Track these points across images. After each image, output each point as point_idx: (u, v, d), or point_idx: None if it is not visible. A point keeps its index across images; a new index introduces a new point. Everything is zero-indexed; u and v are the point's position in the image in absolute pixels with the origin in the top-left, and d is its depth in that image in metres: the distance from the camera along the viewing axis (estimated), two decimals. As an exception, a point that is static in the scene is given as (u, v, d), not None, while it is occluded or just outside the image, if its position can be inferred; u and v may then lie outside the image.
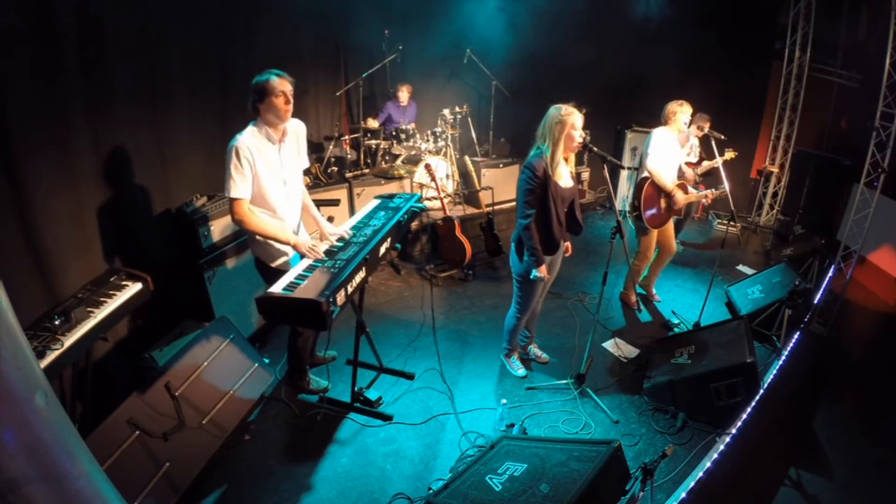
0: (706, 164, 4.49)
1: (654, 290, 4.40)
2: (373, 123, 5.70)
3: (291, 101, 2.47)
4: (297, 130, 2.67)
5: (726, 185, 3.71)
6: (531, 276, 2.85)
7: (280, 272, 2.49)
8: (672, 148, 3.83)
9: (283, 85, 2.41)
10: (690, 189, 3.99)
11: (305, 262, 2.44)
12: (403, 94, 5.79)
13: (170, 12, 3.13)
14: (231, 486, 2.49)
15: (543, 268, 2.83)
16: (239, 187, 2.41)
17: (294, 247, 2.52)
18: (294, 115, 2.60)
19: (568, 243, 3.13)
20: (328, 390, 3.13)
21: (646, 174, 3.83)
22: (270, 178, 2.52)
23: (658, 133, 3.82)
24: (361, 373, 3.10)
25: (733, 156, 4.15)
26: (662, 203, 3.84)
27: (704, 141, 3.96)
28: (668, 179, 3.76)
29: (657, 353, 3.43)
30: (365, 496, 2.48)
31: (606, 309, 4.21)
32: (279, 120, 2.49)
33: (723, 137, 3.90)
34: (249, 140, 2.43)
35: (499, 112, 6.44)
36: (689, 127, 3.92)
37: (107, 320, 2.33)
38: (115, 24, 2.74)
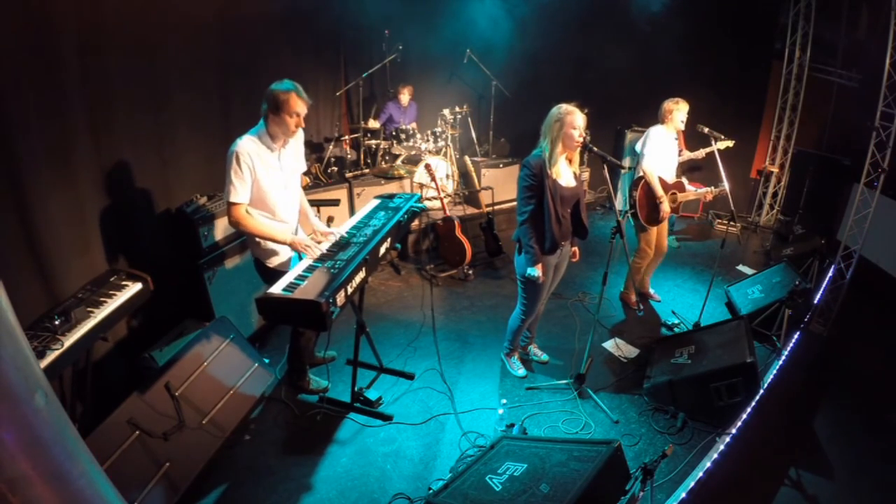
0: (686, 154, 4.45)
1: (651, 290, 4.40)
2: (374, 124, 5.70)
3: (303, 125, 2.51)
4: (297, 136, 2.69)
5: (726, 184, 3.70)
6: (527, 275, 2.85)
7: (279, 273, 2.51)
8: (668, 147, 3.82)
9: (300, 107, 2.44)
10: (688, 186, 3.97)
11: (305, 263, 2.44)
12: (404, 96, 5.80)
13: (170, 12, 3.13)
14: (231, 486, 2.49)
15: (540, 267, 2.83)
16: (238, 192, 2.43)
17: (291, 245, 2.54)
18: None
19: (576, 248, 3.11)
20: (328, 390, 3.13)
21: (641, 173, 3.83)
22: (271, 182, 2.54)
23: (654, 132, 3.82)
24: (361, 373, 3.10)
25: (729, 144, 4.09)
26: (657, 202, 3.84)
27: (689, 133, 3.93)
28: (658, 184, 3.76)
29: (657, 353, 3.43)
30: (365, 496, 2.48)
31: (606, 309, 4.21)
32: (285, 136, 2.52)
33: (722, 137, 3.90)
34: (249, 145, 2.44)
35: (499, 112, 6.44)
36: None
37: (107, 320, 2.33)
38: (115, 23, 2.74)
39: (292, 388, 3.12)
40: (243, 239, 3.46)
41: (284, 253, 2.68)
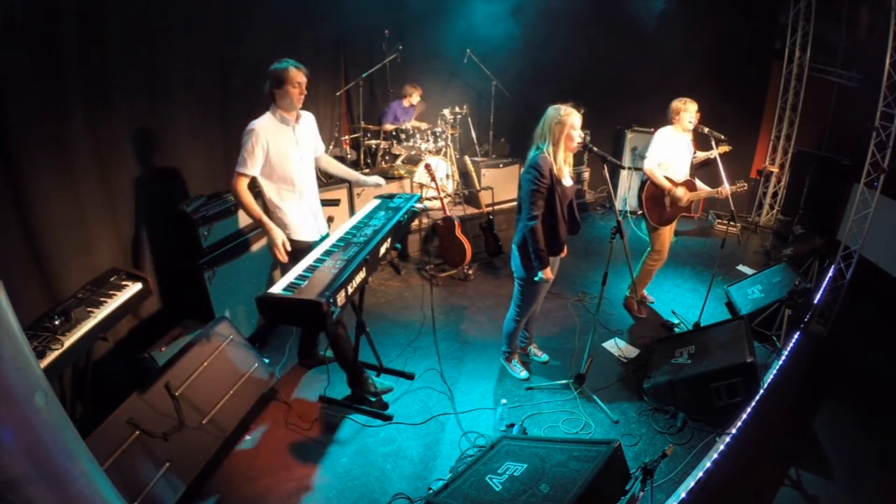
0: (700, 154, 4.45)
1: (645, 292, 4.38)
2: (389, 127, 5.72)
3: (305, 92, 2.68)
4: (310, 118, 2.90)
5: (726, 184, 3.69)
6: (536, 279, 2.85)
7: (300, 253, 2.63)
8: (675, 146, 3.80)
9: (299, 76, 2.62)
10: (701, 185, 3.94)
11: (307, 261, 2.44)
12: (416, 97, 5.82)
13: (169, 12, 3.13)
14: (231, 486, 2.49)
15: (549, 270, 2.84)
16: (246, 164, 2.62)
17: (268, 231, 2.69)
18: None
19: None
20: (392, 390, 3.16)
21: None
22: (288, 155, 2.72)
23: (660, 133, 3.82)
24: (361, 373, 3.10)
25: (726, 149, 4.07)
26: (667, 201, 3.83)
27: (697, 134, 3.91)
28: (663, 179, 3.74)
29: (657, 353, 3.43)
30: (365, 496, 2.48)
31: (606, 309, 4.21)
32: (292, 107, 2.70)
33: (722, 137, 3.88)
34: (264, 123, 2.63)
35: (499, 112, 6.44)
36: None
37: (107, 320, 2.33)
38: (115, 24, 2.74)
39: (356, 396, 3.03)
40: (243, 238, 3.46)
41: (304, 233, 2.85)
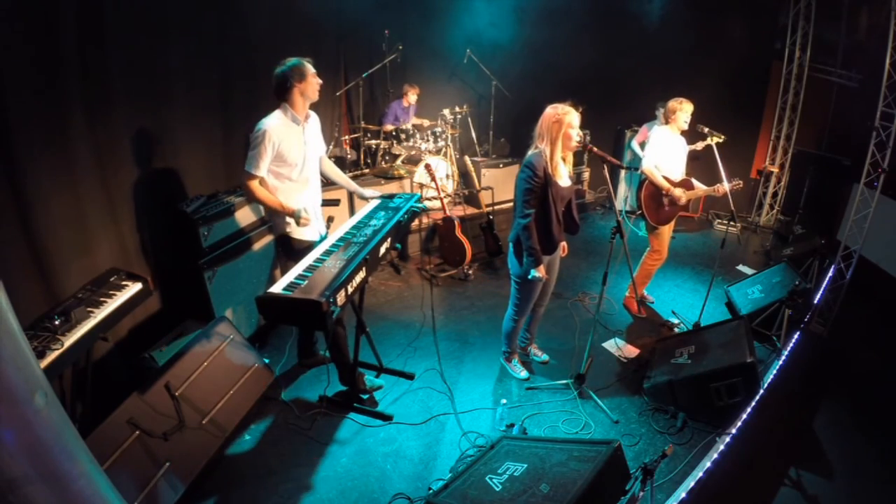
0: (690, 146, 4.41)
1: (645, 292, 4.38)
2: (389, 128, 5.72)
3: (320, 80, 2.73)
4: (315, 119, 2.92)
5: (726, 184, 3.69)
6: (529, 277, 2.85)
7: (303, 251, 2.66)
8: (672, 146, 3.81)
9: (313, 69, 2.68)
10: (697, 184, 3.94)
11: (308, 260, 2.45)
12: (412, 97, 5.82)
13: (170, 12, 3.13)
14: (231, 486, 2.49)
15: (542, 268, 2.83)
16: (257, 165, 2.63)
17: (288, 211, 2.74)
18: None
19: (564, 243, 3.12)
20: (382, 388, 3.18)
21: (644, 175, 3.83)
22: (297, 154, 2.74)
23: (655, 132, 3.82)
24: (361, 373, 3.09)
25: (720, 139, 4.02)
26: (665, 200, 3.83)
27: (690, 132, 3.91)
28: (662, 179, 3.74)
29: (657, 353, 3.43)
30: (365, 496, 2.48)
31: (606, 309, 4.21)
32: (312, 98, 2.72)
33: (723, 137, 3.88)
34: (275, 123, 2.63)
35: (499, 112, 6.45)
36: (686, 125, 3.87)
37: (107, 320, 2.33)
38: (115, 24, 2.74)
39: (349, 393, 3.05)
40: (243, 238, 3.46)
41: (305, 232, 2.85)
